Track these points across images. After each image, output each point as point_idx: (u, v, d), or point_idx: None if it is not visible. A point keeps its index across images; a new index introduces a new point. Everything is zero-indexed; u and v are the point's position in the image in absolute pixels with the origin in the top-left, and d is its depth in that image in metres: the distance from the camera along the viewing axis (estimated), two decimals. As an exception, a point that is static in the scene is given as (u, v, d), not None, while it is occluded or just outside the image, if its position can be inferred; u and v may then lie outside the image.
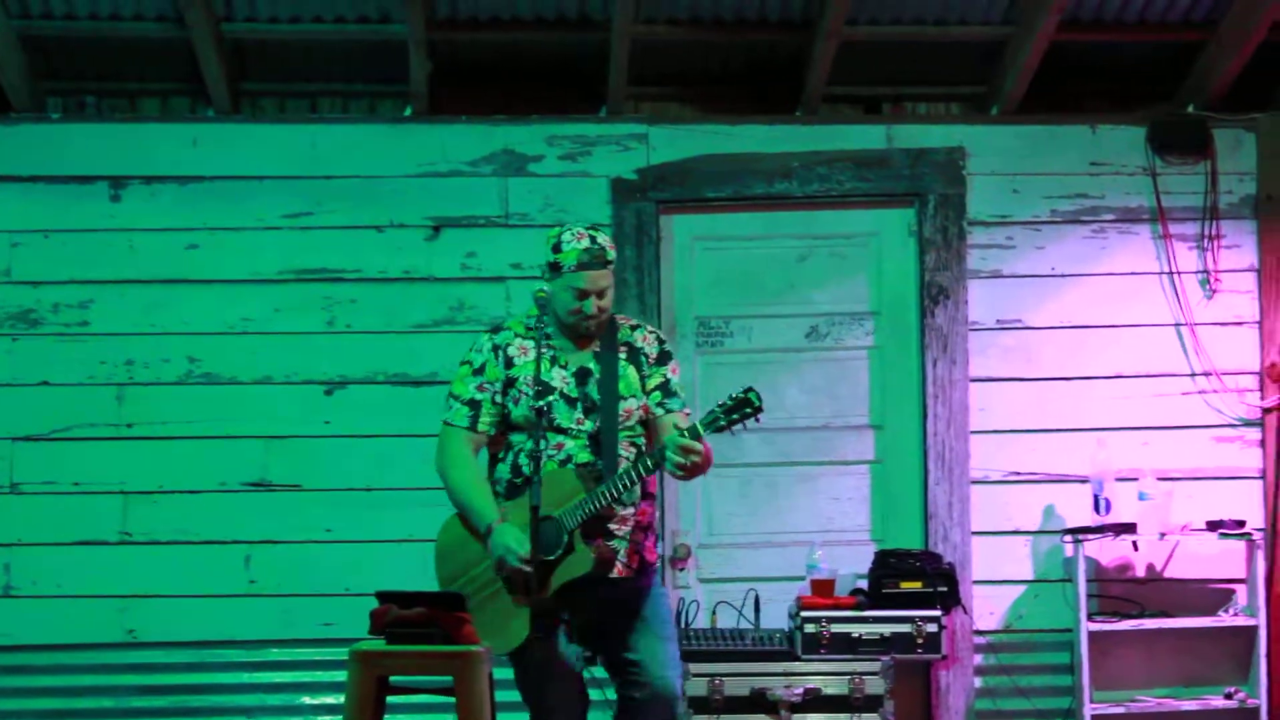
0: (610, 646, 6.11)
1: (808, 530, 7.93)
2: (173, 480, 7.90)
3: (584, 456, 6.04)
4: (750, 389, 5.84)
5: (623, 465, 5.99)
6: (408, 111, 8.06)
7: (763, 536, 8.00)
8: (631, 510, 6.06)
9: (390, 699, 6.03)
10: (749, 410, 5.82)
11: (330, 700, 7.72)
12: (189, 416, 7.91)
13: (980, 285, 8.00)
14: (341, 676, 6.01)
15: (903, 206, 8.06)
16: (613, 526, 6.03)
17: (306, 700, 7.87)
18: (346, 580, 7.78)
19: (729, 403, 5.83)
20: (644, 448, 6.11)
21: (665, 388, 6.19)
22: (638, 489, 6.01)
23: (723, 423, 5.83)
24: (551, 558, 5.87)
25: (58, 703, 7.83)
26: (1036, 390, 7.99)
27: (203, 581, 7.87)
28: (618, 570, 6.05)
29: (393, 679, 6.01)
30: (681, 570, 7.99)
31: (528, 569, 5.83)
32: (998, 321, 8.00)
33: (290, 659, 7.88)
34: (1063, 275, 8.03)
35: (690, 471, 5.85)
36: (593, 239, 6.06)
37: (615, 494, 5.90)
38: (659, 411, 6.16)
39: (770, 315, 8.07)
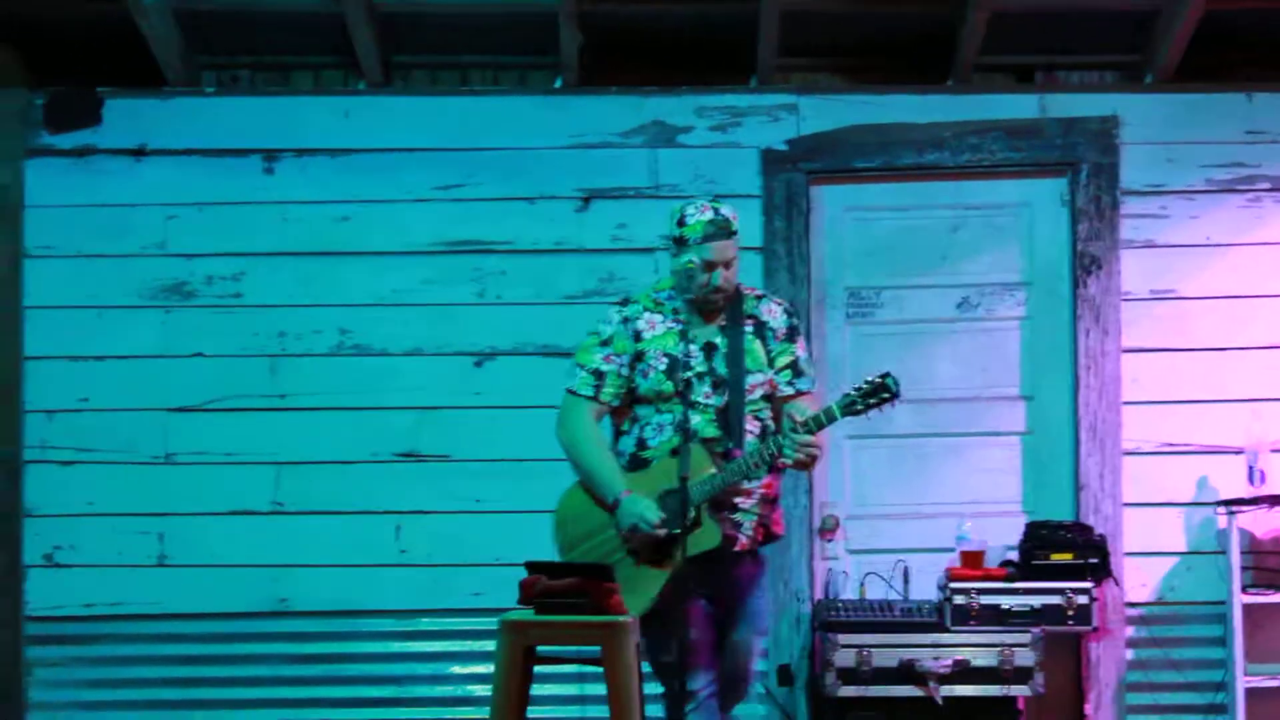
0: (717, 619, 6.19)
1: (957, 502, 7.91)
2: (324, 451, 7.96)
3: (710, 431, 6.09)
4: (888, 374, 5.93)
5: (749, 444, 6.06)
6: (558, 83, 8.09)
7: (912, 508, 7.98)
8: (757, 484, 6.12)
9: (539, 668, 6.05)
10: (886, 395, 5.92)
11: (480, 669, 7.76)
12: (340, 388, 7.98)
13: (1133, 255, 7.94)
14: (491, 646, 6.07)
15: (1055, 176, 8.01)
16: (739, 500, 6.10)
17: (456, 669, 7.92)
18: (496, 550, 7.80)
19: (865, 387, 5.92)
20: (768, 422, 6.18)
21: (795, 366, 6.24)
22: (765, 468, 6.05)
23: (859, 407, 5.93)
24: (678, 530, 5.89)
25: (211, 670, 7.92)
26: (1190, 361, 7.92)
27: (354, 551, 7.93)
28: (741, 544, 6.14)
29: (541, 649, 6.03)
30: (830, 541, 7.97)
31: (661, 534, 5.94)
32: (1151, 292, 7.93)
33: (440, 628, 7.93)
34: (1217, 245, 7.96)
35: (806, 466, 5.99)
36: (716, 211, 6.12)
37: (744, 473, 5.98)
38: (788, 391, 6.22)
39: (921, 286, 8.04)
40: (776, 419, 6.19)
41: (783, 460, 5.95)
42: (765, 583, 6.37)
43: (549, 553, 6.39)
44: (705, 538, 5.95)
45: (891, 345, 7.95)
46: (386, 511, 7.95)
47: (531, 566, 6.06)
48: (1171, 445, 7.90)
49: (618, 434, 6.30)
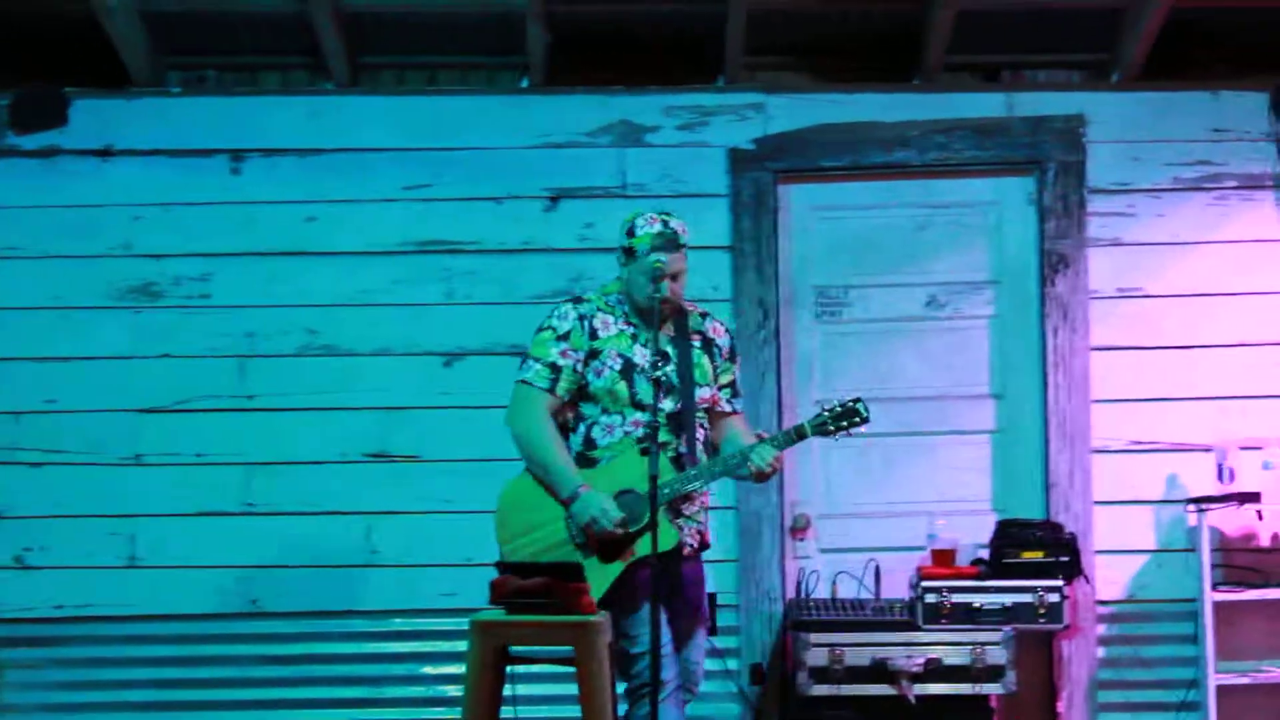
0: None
1: (928, 500, 7.92)
2: (294, 451, 7.95)
3: (663, 436, 6.18)
4: (859, 399, 6.17)
5: (709, 458, 6.25)
6: (525, 83, 8.09)
7: (883, 506, 7.98)
8: (701, 492, 6.31)
9: (511, 668, 6.07)
10: (857, 420, 6.17)
11: (452, 670, 7.75)
12: (309, 388, 7.96)
13: (1101, 253, 7.95)
14: (463, 646, 6.06)
15: (1022, 175, 8.02)
16: (684, 506, 6.24)
17: (428, 669, 7.91)
18: (467, 550, 7.79)
19: (838, 409, 6.16)
20: (708, 433, 6.36)
21: (734, 386, 6.47)
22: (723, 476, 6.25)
23: (830, 428, 6.17)
24: (634, 529, 6.05)
25: (182, 672, 7.89)
26: (1158, 359, 7.94)
27: (325, 552, 7.91)
28: (686, 550, 6.28)
29: (513, 648, 6.05)
30: (801, 540, 7.98)
31: (620, 533, 6.05)
32: (1119, 290, 7.95)
33: (412, 629, 7.92)
34: (1184, 243, 7.97)
35: (765, 478, 6.16)
36: (665, 223, 6.24)
37: (705, 479, 6.16)
38: (726, 408, 6.41)
39: (889, 285, 8.04)
40: (714, 432, 6.40)
41: (750, 468, 6.07)
42: (704, 582, 6.51)
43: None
44: (662, 538, 6.02)
45: (860, 344, 7.96)
46: (357, 512, 7.93)
47: (502, 567, 6.09)
48: (1140, 443, 7.91)
49: (562, 430, 6.33)
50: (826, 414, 6.17)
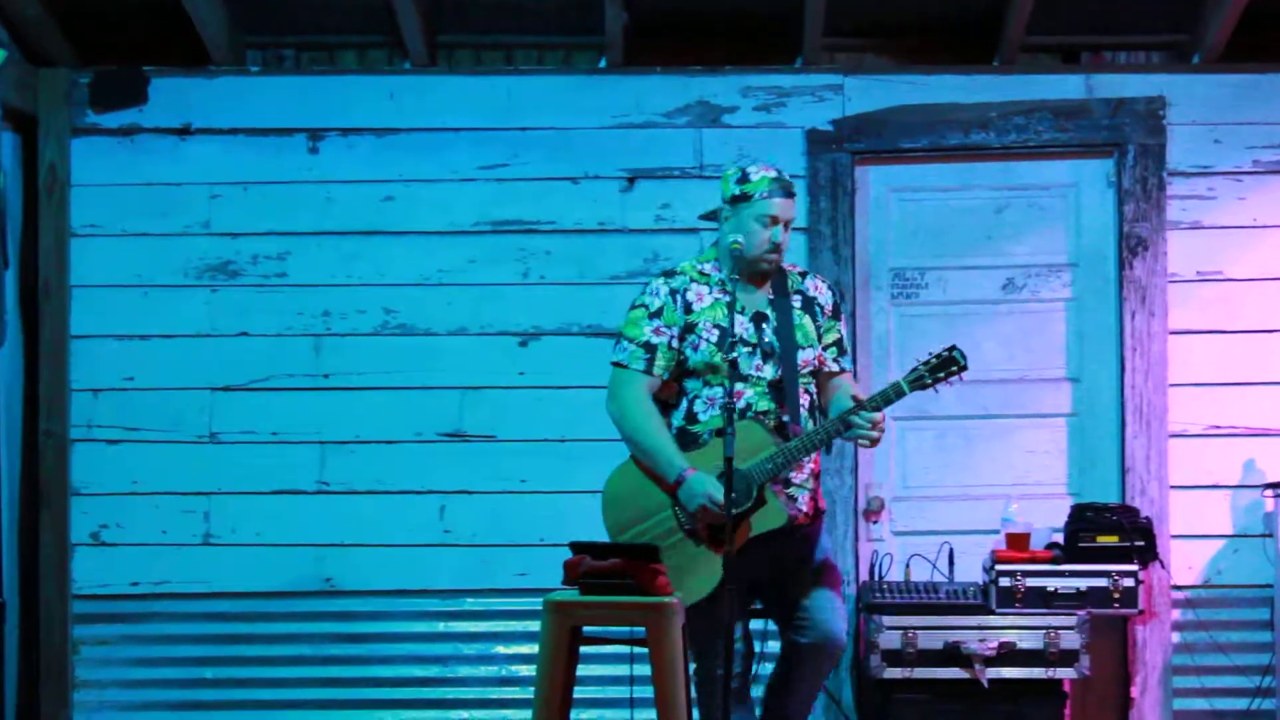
0: (780, 593, 6.17)
1: (1003, 484, 7.89)
2: (369, 430, 7.97)
3: (764, 404, 6.10)
4: (954, 347, 6.00)
5: (812, 426, 6.10)
6: (603, 63, 8.07)
7: (957, 490, 7.95)
8: (809, 458, 6.16)
9: (584, 649, 6.07)
10: (954, 369, 5.99)
11: (524, 649, 7.79)
12: (385, 367, 7.98)
13: (1180, 236, 7.89)
14: (535, 626, 6.06)
15: (1101, 157, 7.97)
16: (792, 475, 6.12)
17: (501, 649, 7.93)
18: (541, 530, 7.83)
19: (933, 360, 5.97)
20: (815, 396, 6.21)
21: (840, 344, 6.30)
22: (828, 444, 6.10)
23: (928, 380, 5.99)
24: (740, 510, 5.92)
25: (255, 649, 7.95)
26: (1237, 343, 7.88)
27: (399, 531, 7.95)
28: (799, 519, 6.15)
29: (586, 629, 6.04)
30: (875, 523, 7.96)
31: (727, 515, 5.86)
32: (1198, 273, 7.89)
33: (485, 608, 7.94)
34: (1264, 226, 7.91)
35: (875, 442, 6.01)
36: (778, 171, 6.17)
37: (807, 450, 6.00)
38: (834, 368, 6.26)
39: (966, 267, 8.01)
40: (821, 395, 6.24)
41: (853, 437, 5.97)
42: (828, 541, 6.37)
43: (594, 533, 6.38)
44: (771, 517, 5.96)
45: (937, 326, 7.92)
46: (431, 491, 7.95)
47: (576, 547, 6.06)
48: (1218, 427, 7.86)
49: (665, 408, 6.27)
50: (922, 367, 6.03)
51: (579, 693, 6.18)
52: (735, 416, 5.86)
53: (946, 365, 6.01)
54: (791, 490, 6.15)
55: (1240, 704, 7.78)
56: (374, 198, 8.02)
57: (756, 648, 6.45)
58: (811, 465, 6.22)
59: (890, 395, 6.02)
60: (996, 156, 7.98)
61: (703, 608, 5.99)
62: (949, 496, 7.95)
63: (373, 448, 7.96)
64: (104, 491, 7.98)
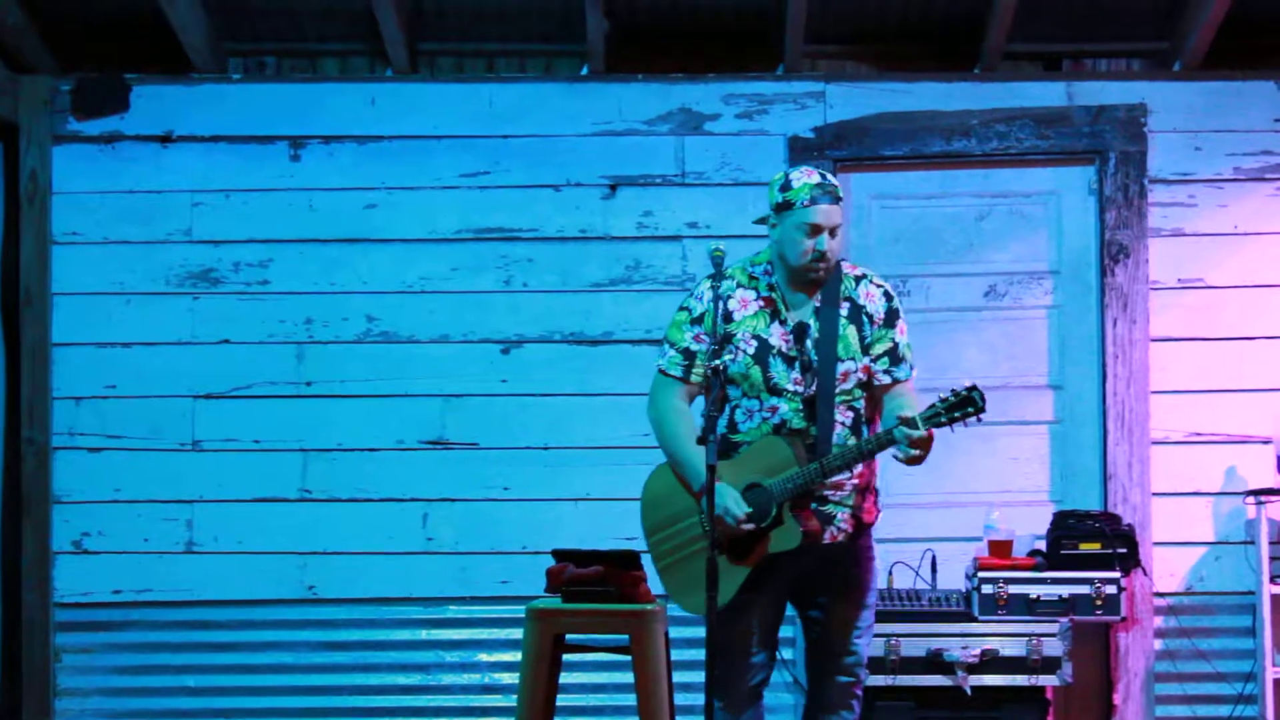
0: (806, 604, 6.07)
1: (985, 491, 7.90)
2: (351, 438, 7.97)
3: (798, 422, 5.88)
4: (974, 387, 5.67)
5: (839, 441, 5.84)
6: (584, 71, 8.08)
7: (940, 497, 7.93)
8: (849, 474, 5.90)
9: (566, 657, 6.07)
10: (971, 410, 5.66)
11: (507, 657, 7.77)
12: (367, 375, 7.97)
13: (1161, 244, 7.90)
14: (518, 634, 6.07)
15: (1083, 164, 7.98)
16: (828, 493, 5.89)
17: (483, 657, 7.92)
18: (523, 538, 7.83)
19: (952, 399, 5.66)
20: (862, 411, 5.94)
21: (893, 353, 6.00)
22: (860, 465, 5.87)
23: (943, 420, 5.68)
24: (759, 527, 5.78)
25: (238, 657, 7.93)
26: (1218, 350, 7.89)
27: (381, 539, 7.94)
28: (830, 537, 5.92)
29: (569, 637, 6.05)
30: (858, 530, 7.94)
31: (744, 529, 5.76)
32: (1179, 280, 7.90)
33: (467, 616, 7.93)
34: (1246, 233, 7.92)
35: (917, 462, 5.70)
36: (823, 175, 5.91)
37: (827, 472, 5.77)
38: (885, 380, 5.98)
39: (948, 274, 8.01)
40: (874, 407, 5.99)
41: (897, 454, 5.69)
42: (871, 558, 6.09)
43: (576, 540, 6.39)
44: (785, 538, 5.76)
45: (919, 334, 7.73)
46: (414, 499, 7.95)
47: (559, 554, 6.06)
48: (1200, 435, 7.87)
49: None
50: (940, 405, 5.68)
51: (562, 700, 6.18)
52: (771, 431, 5.80)
53: (963, 405, 5.66)
54: (828, 508, 5.90)
55: (1223, 711, 7.79)
56: (356, 205, 8.01)
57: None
58: (855, 480, 5.91)
59: (909, 432, 5.64)
60: (978, 164, 8.00)
61: (725, 614, 5.79)
62: (931, 504, 7.94)
63: (355, 455, 7.96)
64: (86, 499, 7.96)
